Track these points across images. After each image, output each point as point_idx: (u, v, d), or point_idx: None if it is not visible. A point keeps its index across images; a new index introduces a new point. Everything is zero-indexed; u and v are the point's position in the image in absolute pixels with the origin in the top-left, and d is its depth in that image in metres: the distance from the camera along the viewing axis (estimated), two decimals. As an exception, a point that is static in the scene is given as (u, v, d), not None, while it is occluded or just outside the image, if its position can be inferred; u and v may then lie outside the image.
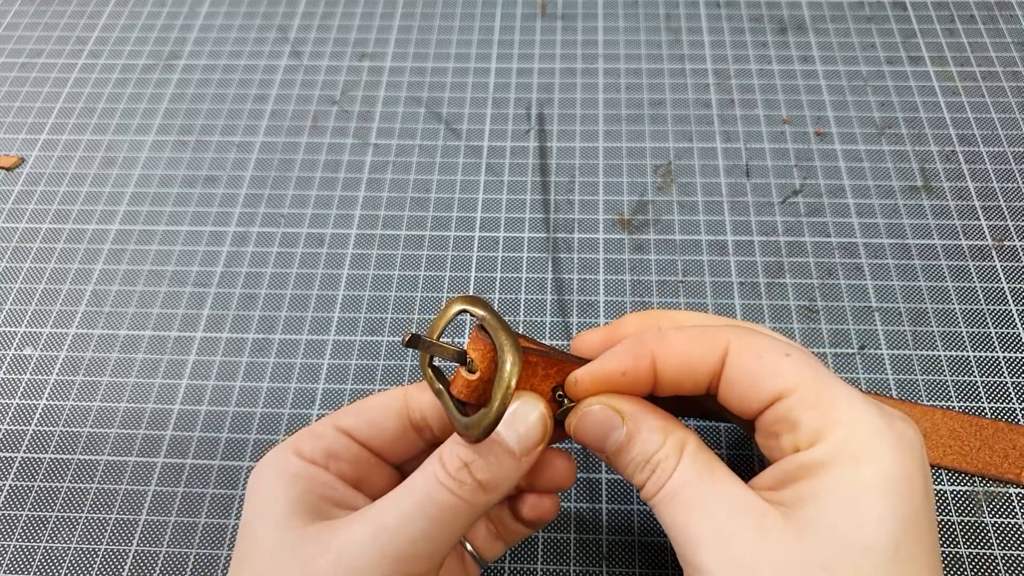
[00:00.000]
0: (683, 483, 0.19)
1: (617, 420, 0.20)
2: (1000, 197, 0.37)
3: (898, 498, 0.17)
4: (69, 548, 0.28)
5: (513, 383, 0.18)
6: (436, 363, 0.21)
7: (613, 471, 0.27)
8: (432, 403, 0.21)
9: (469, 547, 0.23)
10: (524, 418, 0.19)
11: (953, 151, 0.39)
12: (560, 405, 0.21)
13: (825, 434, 0.18)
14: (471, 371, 0.19)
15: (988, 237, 0.35)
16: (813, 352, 0.32)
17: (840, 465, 0.17)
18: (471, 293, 0.34)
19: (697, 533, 0.18)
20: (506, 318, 0.34)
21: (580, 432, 0.20)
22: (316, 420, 0.27)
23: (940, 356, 0.32)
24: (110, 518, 0.29)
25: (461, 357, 0.20)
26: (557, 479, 0.22)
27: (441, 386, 0.20)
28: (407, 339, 0.18)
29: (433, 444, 0.22)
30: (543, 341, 0.33)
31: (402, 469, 0.23)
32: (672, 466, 0.19)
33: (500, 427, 0.19)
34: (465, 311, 0.21)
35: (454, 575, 0.23)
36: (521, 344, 0.20)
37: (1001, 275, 0.34)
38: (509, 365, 0.18)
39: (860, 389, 0.31)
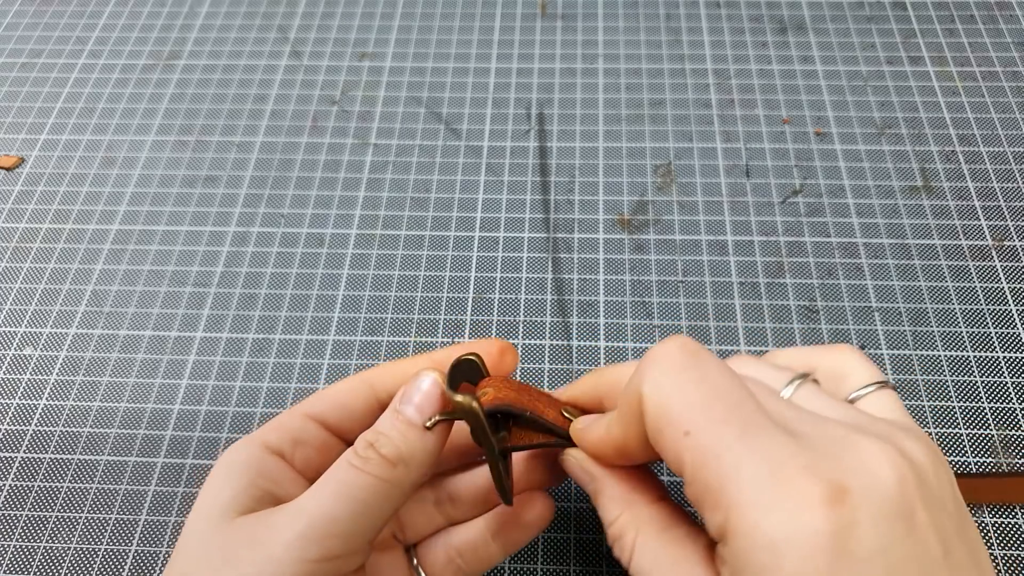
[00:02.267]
0: (639, 568, 0.18)
1: (586, 477, 0.21)
2: (1000, 197, 0.37)
3: (857, 560, 0.14)
4: (69, 548, 0.28)
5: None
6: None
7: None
8: (396, 383, 0.21)
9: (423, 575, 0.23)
10: (418, 388, 0.20)
11: (953, 151, 0.39)
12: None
13: (729, 537, 0.16)
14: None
15: (988, 237, 0.35)
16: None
17: (753, 572, 0.15)
18: (470, 293, 0.34)
19: None
20: (506, 318, 0.34)
21: (566, 469, 0.21)
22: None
23: (940, 356, 0.32)
24: (110, 518, 0.29)
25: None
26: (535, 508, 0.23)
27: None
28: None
29: None
30: (542, 341, 0.33)
31: None
32: (630, 544, 0.19)
33: (397, 402, 0.20)
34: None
35: None
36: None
37: (1001, 275, 0.34)
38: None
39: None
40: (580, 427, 0.21)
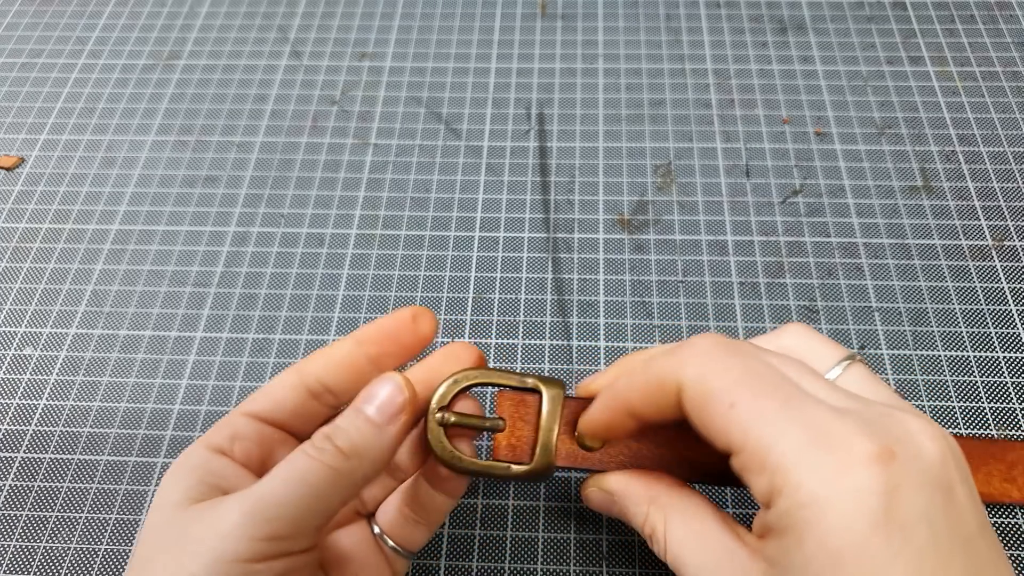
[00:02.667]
0: (677, 555, 0.20)
1: (609, 499, 0.22)
2: (1000, 197, 0.37)
3: (863, 545, 0.15)
4: (69, 548, 0.28)
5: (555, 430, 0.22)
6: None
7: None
8: (324, 366, 0.22)
9: (390, 543, 0.24)
10: (380, 389, 0.20)
11: (953, 151, 0.39)
12: (588, 451, 0.23)
13: (775, 498, 0.17)
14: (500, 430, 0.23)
15: (988, 237, 0.35)
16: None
17: (796, 529, 0.16)
18: (470, 293, 0.34)
19: None
20: (506, 318, 0.34)
21: (592, 506, 0.23)
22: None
23: (940, 356, 0.32)
24: (110, 518, 0.29)
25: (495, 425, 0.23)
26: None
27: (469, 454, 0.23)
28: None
29: (335, 408, 0.23)
30: (542, 341, 0.33)
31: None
32: (662, 534, 0.20)
33: (358, 402, 0.20)
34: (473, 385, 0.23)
35: (377, 572, 0.23)
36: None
37: (1001, 275, 0.34)
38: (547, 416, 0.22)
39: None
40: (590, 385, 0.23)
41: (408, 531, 0.24)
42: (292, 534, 0.18)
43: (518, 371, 0.23)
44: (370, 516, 0.25)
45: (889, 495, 0.15)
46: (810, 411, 0.17)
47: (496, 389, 0.24)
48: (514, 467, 0.22)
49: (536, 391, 0.23)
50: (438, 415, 0.22)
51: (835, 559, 0.15)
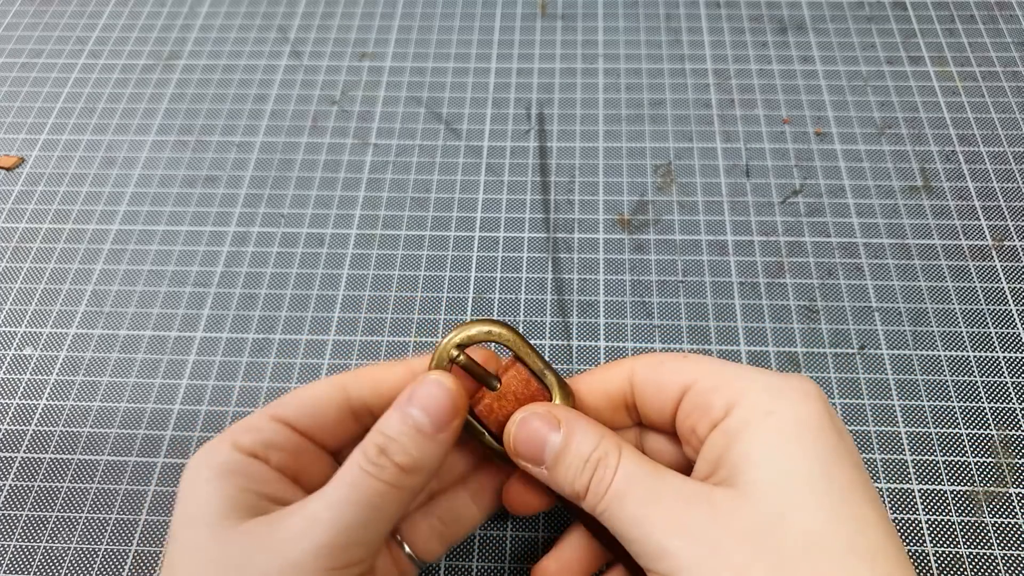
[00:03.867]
0: (630, 478, 0.19)
1: (554, 422, 0.21)
2: (1000, 197, 0.37)
3: (817, 434, 0.19)
4: (69, 548, 0.28)
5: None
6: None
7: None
8: (372, 390, 0.22)
9: (407, 549, 0.23)
10: (430, 395, 0.20)
11: (953, 151, 0.39)
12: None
13: (734, 404, 0.20)
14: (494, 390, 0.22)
15: (988, 237, 0.35)
16: (813, 352, 0.32)
17: (757, 422, 0.19)
18: (470, 293, 0.34)
19: (655, 522, 0.18)
20: (506, 318, 0.34)
21: (518, 442, 0.21)
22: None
23: (940, 356, 0.32)
24: (110, 518, 0.29)
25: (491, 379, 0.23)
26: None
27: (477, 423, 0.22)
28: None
29: (369, 428, 0.22)
30: (542, 341, 0.33)
31: (339, 455, 0.23)
32: (614, 463, 0.20)
33: (411, 409, 0.20)
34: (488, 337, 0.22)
35: (387, 572, 0.23)
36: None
37: (1001, 275, 0.34)
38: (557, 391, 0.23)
39: (860, 389, 0.31)
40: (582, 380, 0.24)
41: (428, 541, 0.23)
42: (365, 558, 0.18)
43: (546, 358, 0.23)
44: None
45: (828, 411, 0.20)
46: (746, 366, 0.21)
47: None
48: (488, 438, 0.22)
49: (548, 390, 0.23)
50: (453, 351, 0.22)
51: (782, 448, 0.18)
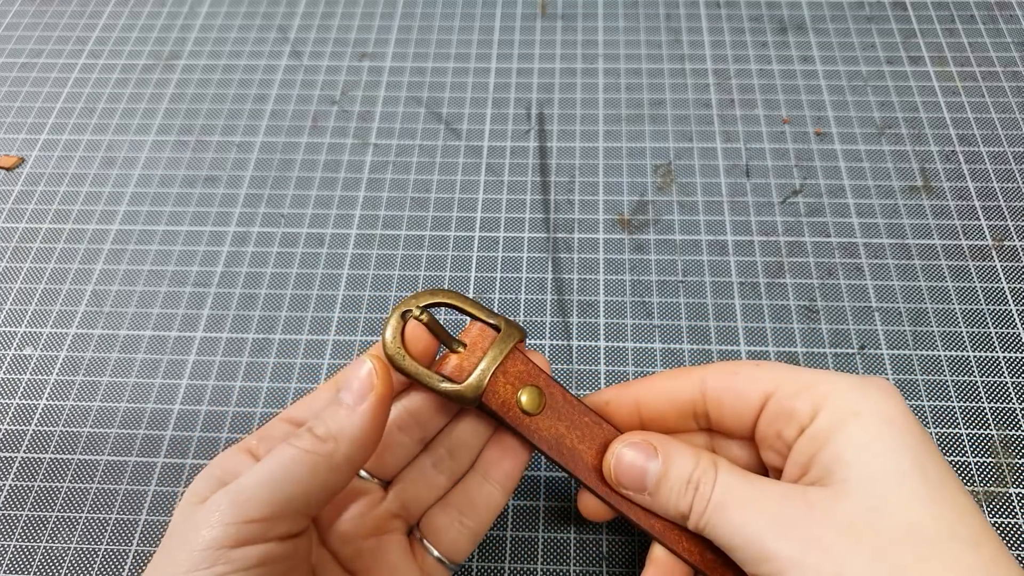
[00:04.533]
0: (728, 489, 0.20)
1: (651, 450, 0.22)
2: (1000, 197, 0.37)
3: (903, 430, 0.19)
4: (69, 548, 0.28)
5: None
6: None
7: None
8: (309, 411, 0.23)
9: (435, 552, 0.23)
10: (350, 372, 0.21)
11: (953, 151, 0.39)
12: (523, 415, 0.23)
13: (819, 407, 0.20)
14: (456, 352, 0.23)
15: (988, 237, 0.35)
16: (813, 352, 0.32)
17: (845, 423, 0.20)
18: (471, 293, 0.34)
19: (757, 527, 0.19)
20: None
21: (620, 474, 0.22)
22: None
23: (940, 356, 0.32)
24: (110, 518, 0.29)
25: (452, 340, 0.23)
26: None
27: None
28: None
29: None
30: (542, 341, 0.33)
31: None
32: (712, 479, 0.21)
33: (339, 392, 0.21)
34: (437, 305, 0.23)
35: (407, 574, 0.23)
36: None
37: (1001, 275, 0.34)
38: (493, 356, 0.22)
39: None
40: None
41: (453, 537, 0.24)
42: (266, 516, 0.19)
43: (495, 311, 0.24)
44: (412, 528, 0.24)
45: (904, 410, 0.20)
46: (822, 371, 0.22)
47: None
48: (444, 384, 0.22)
49: (497, 328, 0.23)
50: (414, 309, 0.22)
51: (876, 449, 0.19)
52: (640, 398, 0.24)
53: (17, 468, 0.30)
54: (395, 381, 0.23)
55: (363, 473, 0.24)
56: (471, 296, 0.34)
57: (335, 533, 0.23)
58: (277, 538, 0.19)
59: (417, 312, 0.22)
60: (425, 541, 0.24)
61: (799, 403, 0.21)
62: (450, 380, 0.22)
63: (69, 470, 0.30)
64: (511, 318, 0.34)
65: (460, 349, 0.23)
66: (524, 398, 0.23)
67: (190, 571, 0.18)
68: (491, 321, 0.23)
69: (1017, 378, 0.31)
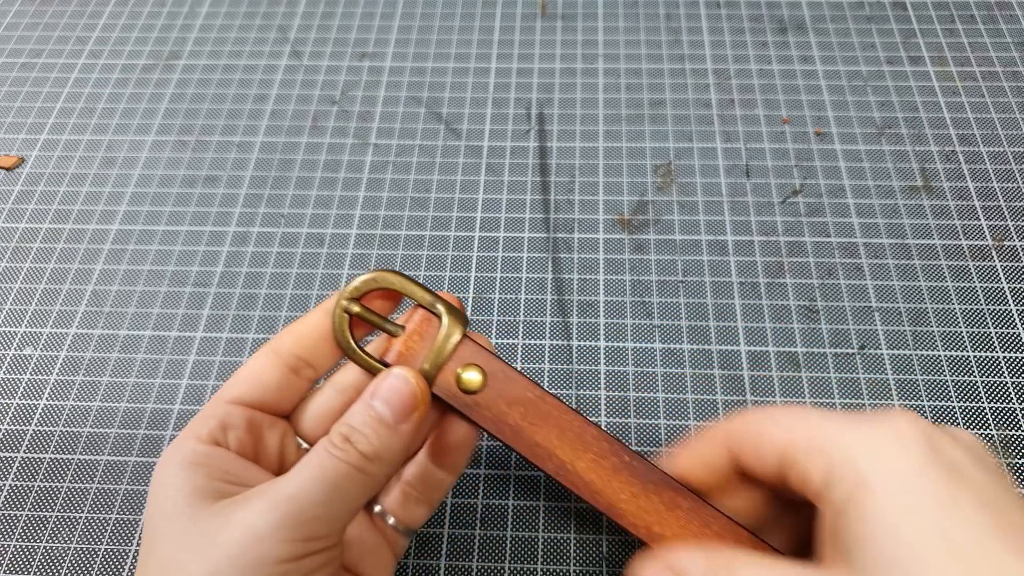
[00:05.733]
0: None
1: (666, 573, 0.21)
2: (1000, 197, 0.37)
3: (922, 495, 0.17)
4: (69, 548, 0.28)
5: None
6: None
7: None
8: (297, 342, 0.22)
9: (392, 520, 0.24)
10: (392, 388, 0.21)
11: (953, 151, 0.39)
12: (465, 395, 0.23)
13: (830, 475, 0.18)
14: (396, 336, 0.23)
15: (988, 237, 0.35)
16: (813, 352, 0.32)
17: (855, 496, 0.18)
18: (470, 293, 0.34)
19: None
20: (506, 318, 0.34)
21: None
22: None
23: (940, 356, 0.32)
24: (110, 518, 0.29)
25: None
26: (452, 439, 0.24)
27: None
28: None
29: (313, 380, 0.23)
30: (542, 341, 0.33)
31: (292, 420, 0.24)
32: None
33: (375, 401, 0.21)
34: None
35: (377, 552, 0.23)
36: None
37: (1001, 275, 0.34)
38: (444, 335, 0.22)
39: (860, 389, 0.31)
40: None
41: (410, 510, 0.24)
42: (325, 533, 0.19)
43: (439, 292, 0.24)
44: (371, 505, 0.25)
45: (922, 458, 0.18)
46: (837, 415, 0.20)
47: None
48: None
49: (437, 312, 0.23)
50: (344, 303, 0.22)
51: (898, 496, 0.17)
52: (679, 470, 0.23)
53: (17, 468, 0.30)
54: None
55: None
56: (472, 295, 0.34)
57: None
58: (327, 549, 0.19)
59: (346, 304, 0.23)
60: (384, 512, 0.24)
61: (811, 467, 0.19)
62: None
63: (69, 470, 0.30)
64: (509, 318, 0.34)
65: (398, 331, 0.23)
66: (466, 377, 0.23)
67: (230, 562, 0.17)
68: (435, 310, 0.23)
69: (1017, 378, 0.31)
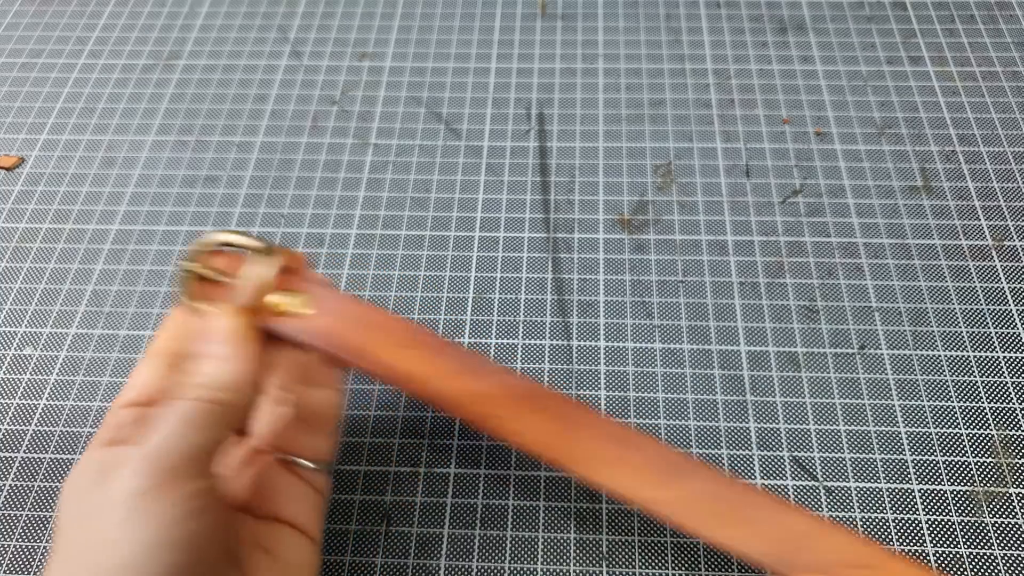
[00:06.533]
0: None
1: None
2: (1000, 197, 0.37)
3: None
4: (69, 548, 0.28)
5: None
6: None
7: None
8: (167, 338, 0.24)
9: (301, 461, 0.25)
10: (217, 329, 0.23)
11: (953, 151, 0.39)
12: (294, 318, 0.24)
13: None
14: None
15: (988, 237, 0.35)
16: (813, 352, 0.32)
17: None
18: (470, 293, 0.34)
19: None
20: (506, 318, 0.34)
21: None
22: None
23: (940, 356, 0.32)
24: (110, 518, 0.29)
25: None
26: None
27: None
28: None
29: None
30: (542, 341, 0.33)
31: None
32: None
33: (204, 344, 0.22)
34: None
35: (300, 496, 0.24)
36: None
37: (1001, 275, 0.34)
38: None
39: (860, 388, 0.31)
40: None
41: (316, 445, 0.25)
42: (199, 471, 0.20)
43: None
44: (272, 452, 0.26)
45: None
46: None
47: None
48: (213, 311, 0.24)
49: (258, 251, 0.25)
50: (184, 265, 0.25)
51: None
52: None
53: (17, 468, 0.30)
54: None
55: None
56: (472, 295, 0.34)
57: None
58: (198, 482, 0.20)
59: (186, 266, 0.25)
60: (287, 456, 0.25)
61: None
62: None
63: (69, 470, 0.30)
64: (509, 318, 0.34)
65: (220, 278, 0.25)
66: (285, 302, 0.24)
67: (121, 522, 0.18)
68: (260, 250, 0.25)
69: (1017, 378, 0.31)
